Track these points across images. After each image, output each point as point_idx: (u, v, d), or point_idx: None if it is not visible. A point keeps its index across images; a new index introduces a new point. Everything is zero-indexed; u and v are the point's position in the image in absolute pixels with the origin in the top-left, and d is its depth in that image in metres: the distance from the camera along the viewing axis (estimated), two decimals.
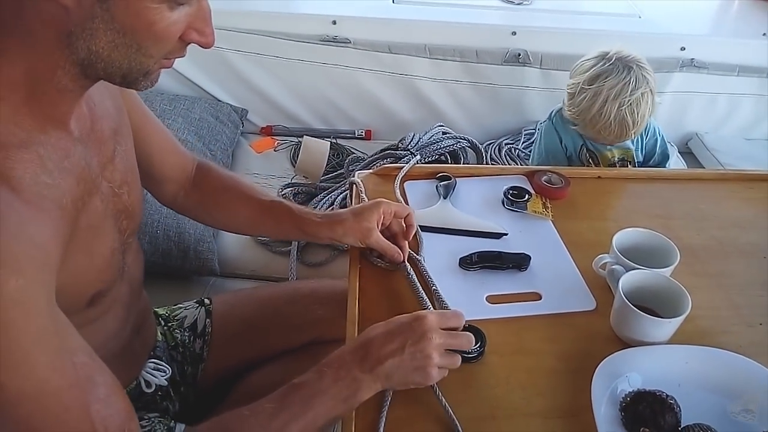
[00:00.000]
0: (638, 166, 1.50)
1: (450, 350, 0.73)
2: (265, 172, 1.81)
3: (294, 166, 1.83)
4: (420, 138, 1.66)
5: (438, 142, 1.66)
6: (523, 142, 1.95)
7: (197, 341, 1.03)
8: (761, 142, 2.08)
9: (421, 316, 0.73)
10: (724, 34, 2.13)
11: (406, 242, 0.95)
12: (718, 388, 0.76)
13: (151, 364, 0.92)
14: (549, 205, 1.07)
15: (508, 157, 1.91)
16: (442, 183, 1.10)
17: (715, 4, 2.36)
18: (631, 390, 0.73)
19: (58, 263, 0.58)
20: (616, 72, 1.31)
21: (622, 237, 0.91)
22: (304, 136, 1.82)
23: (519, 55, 1.88)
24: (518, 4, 2.08)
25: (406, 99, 1.96)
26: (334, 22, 1.84)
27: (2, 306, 0.50)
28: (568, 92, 1.38)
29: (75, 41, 0.56)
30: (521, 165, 1.86)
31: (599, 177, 1.19)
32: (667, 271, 0.86)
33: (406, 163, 1.17)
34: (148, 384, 0.90)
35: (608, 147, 1.44)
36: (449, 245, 0.98)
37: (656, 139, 1.51)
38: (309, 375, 0.71)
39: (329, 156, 1.79)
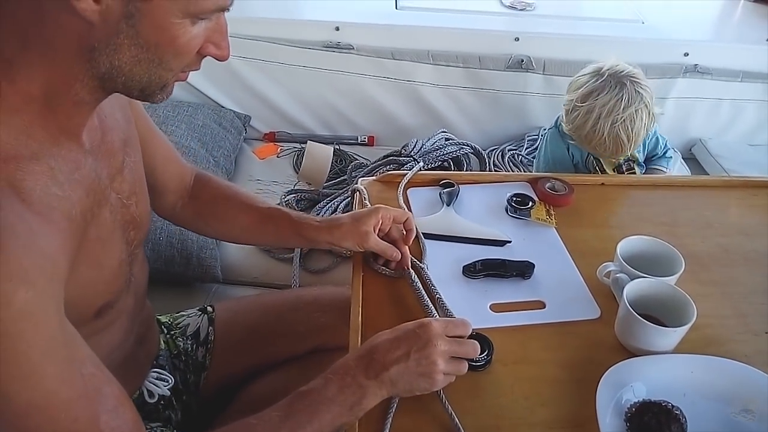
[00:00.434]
0: (642, 164, 1.50)
1: (456, 357, 0.73)
2: (267, 179, 1.81)
3: (297, 173, 1.83)
4: (423, 144, 1.66)
5: (441, 148, 1.66)
6: (526, 148, 1.94)
7: (200, 349, 1.02)
8: (765, 148, 2.07)
9: (426, 322, 0.73)
10: (728, 40, 2.13)
11: (407, 248, 0.94)
12: (723, 398, 0.75)
13: (154, 374, 0.92)
14: (552, 213, 1.07)
15: (511, 163, 1.91)
16: (445, 190, 1.10)
17: (719, 9, 2.36)
18: (636, 400, 0.73)
19: (67, 275, 0.58)
20: (608, 89, 1.28)
21: (627, 245, 0.90)
22: (308, 142, 1.82)
23: (522, 61, 1.88)
24: (521, 10, 2.08)
25: (409, 105, 1.97)
26: (338, 29, 1.84)
27: (12, 317, 0.51)
28: (565, 109, 1.36)
29: (97, 56, 0.56)
30: (524, 171, 1.85)
31: (603, 184, 1.18)
32: (671, 280, 0.86)
33: (409, 170, 1.16)
34: (151, 394, 0.90)
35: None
36: (452, 253, 0.98)
37: (656, 138, 1.51)
38: (315, 383, 0.71)
39: (332, 162, 1.79)
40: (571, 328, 0.86)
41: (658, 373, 0.76)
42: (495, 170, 1.85)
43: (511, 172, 1.83)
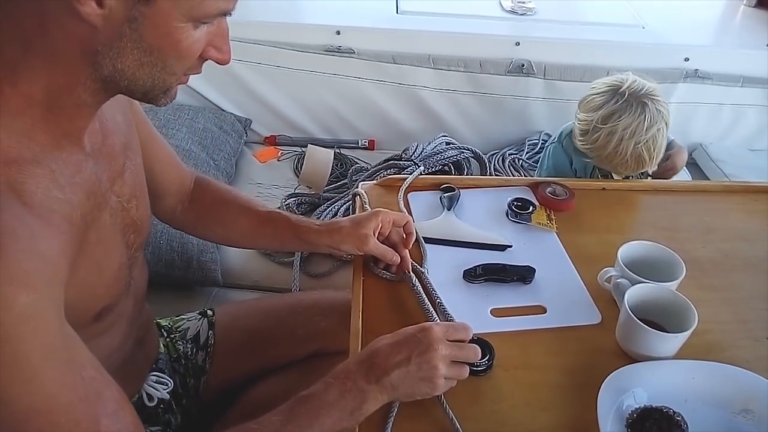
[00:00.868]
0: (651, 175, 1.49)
1: (457, 362, 0.73)
2: (268, 182, 1.80)
3: (297, 176, 1.83)
4: (423, 148, 1.66)
5: (441, 152, 1.66)
6: (527, 153, 1.94)
7: (199, 353, 1.02)
8: (765, 153, 2.07)
9: (427, 327, 0.73)
10: (729, 45, 2.12)
11: (407, 251, 0.94)
12: (725, 404, 0.75)
13: (153, 377, 0.92)
14: (553, 217, 1.07)
15: (511, 167, 1.91)
16: (446, 194, 1.10)
17: (719, 14, 2.36)
18: (637, 406, 0.72)
19: (67, 278, 0.58)
20: (630, 110, 1.25)
21: (628, 250, 0.90)
22: (309, 145, 1.82)
23: (523, 65, 1.88)
24: (522, 14, 2.08)
25: (409, 109, 1.96)
26: (338, 33, 1.84)
27: (12, 321, 0.50)
28: (581, 128, 1.32)
29: (100, 59, 0.57)
30: (525, 175, 1.85)
31: (604, 189, 1.18)
32: (673, 285, 0.86)
33: (410, 174, 1.16)
34: (150, 397, 0.89)
35: None
36: (453, 257, 0.98)
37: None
38: (315, 387, 0.71)
39: (333, 166, 1.79)
40: (572, 334, 0.86)
41: (660, 378, 0.76)
42: (496, 174, 1.85)
43: (512, 177, 1.83)
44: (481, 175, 1.74)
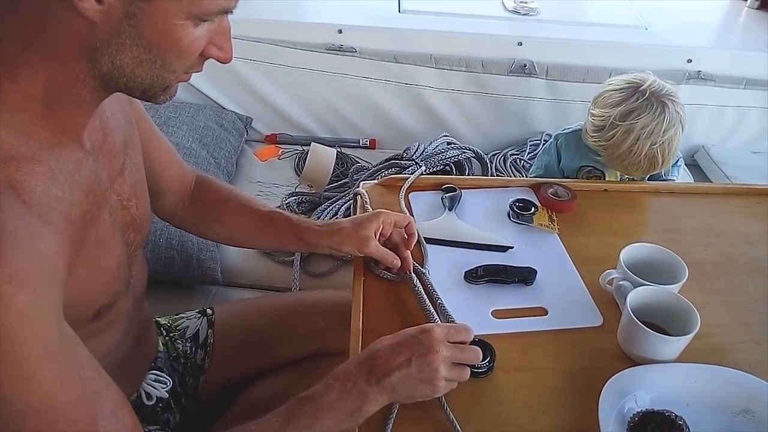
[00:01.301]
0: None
1: (458, 363, 0.72)
2: (269, 181, 1.80)
3: (298, 175, 1.82)
4: (425, 148, 1.65)
5: (443, 152, 1.65)
6: (529, 153, 1.94)
7: (198, 352, 1.02)
8: (767, 155, 2.07)
9: (428, 328, 0.72)
10: (731, 47, 2.12)
11: (409, 252, 0.94)
12: (727, 408, 0.74)
13: (152, 376, 0.91)
14: (555, 218, 1.06)
15: (513, 167, 1.90)
16: (447, 194, 1.10)
17: (723, 16, 2.35)
18: (638, 410, 0.72)
19: (65, 277, 0.58)
20: (650, 110, 1.21)
21: (630, 252, 0.90)
22: (312, 143, 1.82)
23: (525, 65, 1.87)
24: (524, 14, 2.08)
25: (411, 109, 1.96)
26: (340, 31, 1.84)
27: (11, 321, 0.50)
28: (595, 124, 1.29)
29: (99, 56, 0.56)
30: (526, 176, 1.84)
31: (606, 190, 1.18)
32: (675, 288, 0.85)
33: (411, 174, 1.16)
34: (149, 396, 0.89)
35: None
36: (454, 258, 0.97)
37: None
38: (316, 388, 0.70)
39: (334, 165, 1.78)
40: (574, 336, 0.85)
41: (661, 382, 0.75)
42: (497, 175, 1.84)
43: (513, 177, 1.83)
44: (482, 175, 1.73)
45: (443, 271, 0.95)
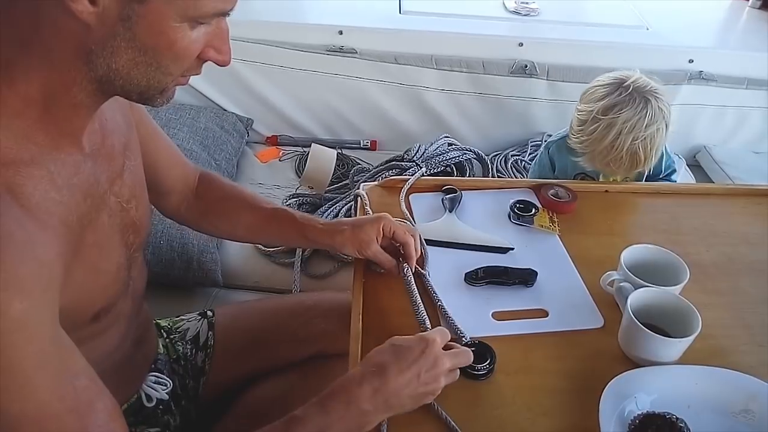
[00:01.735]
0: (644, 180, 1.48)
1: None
2: (269, 182, 1.80)
3: (299, 177, 1.82)
4: (425, 149, 1.65)
5: (444, 153, 1.65)
6: (530, 154, 1.93)
7: (199, 354, 1.02)
8: None
9: (430, 340, 0.72)
10: (733, 47, 2.12)
11: (415, 256, 0.92)
12: (728, 410, 0.74)
13: (152, 378, 0.91)
14: (556, 220, 1.06)
15: (514, 168, 1.90)
16: (447, 196, 1.09)
17: (724, 16, 2.35)
18: (639, 412, 0.72)
19: (62, 281, 0.58)
20: (632, 104, 1.22)
21: (631, 253, 0.89)
22: (312, 144, 1.82)
23: (526, 66, 1.87)
24: (525, 15, 2.08)
25: (412, 110, 1.96)
26: (341, 33, 1.84)
27: (6, 328, 0.50)
28: (579, 118, 1.29)
29: (95, 59, 0.56)
30: (527, 177, 1.84)
31: (607, 191, 1.17)
32: (676, 289, 0.85)
33: (412, 175, 1.16)
34: (149, 398, 0.89)
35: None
36: (454, 260, 0.97)
37: (661, 153, 1.49)
38: (312, 409, 0.68)
39: (334, 166, 1.78)
40: (574, 338, 0.85)
41: (662, 384, 0.75)
42: (498, 176, 1.84)
43: (514, 178, 1.82)
44: (483, 176, 1.73)
45: (443, 272, 0.94)
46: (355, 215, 1.09)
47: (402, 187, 1.12)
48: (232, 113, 1.91)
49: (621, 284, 0.87)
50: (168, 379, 0.93)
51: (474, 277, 0.93)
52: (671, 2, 2.30)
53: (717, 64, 1.92)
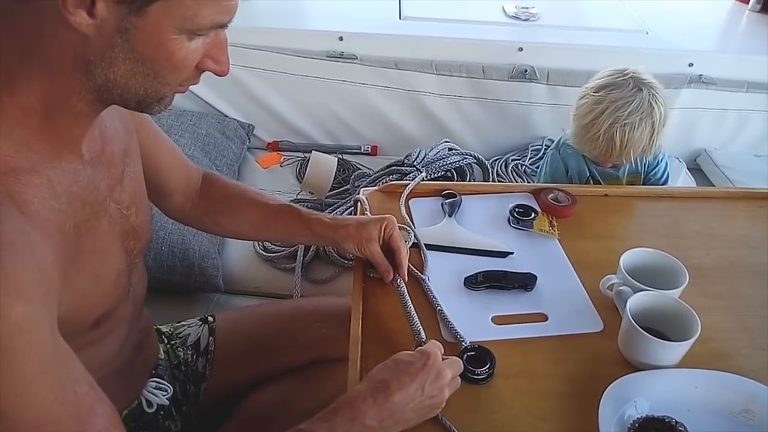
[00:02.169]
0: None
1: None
2: (271, 188, 1.81)
3: (300, 182, 1.83)
4: (426, 154, 1.66)
5: (444, 158, 1.66)
6: (530, 158, 1.94)
7: (200, 360, 1.02)
8: None
9: (431, 353, 0.72)
10: (733, 50, 2.12)
11: (405, 264, 0.93)
12: (728, 414, 0.74)
13: (153, 383, 0.91)
14: (555, 224, 1.06)
15: (514, 173, 1.90)
16: (447, 201, 1.10)
17: (724, 19, 2.35)
18: (639, 416, 0.71)
19: (60, 288, 0.58)
20: (623, 88, 1.26)
21: (630, 257, 0.89)
22: (312, 151, 1.82)
23: (526, 71, 1.88)
24: (525, 20, 2.08)
25: (412, 115, 1.96)
26: (341, 38, 1.84)
27: (7, 333, 0.50)
28: (577, 99, 1.35)
29: (93, 69, 0.57)
30: (528, 181, 1.85)
31: (606, 195, 1.17)
32: (676, 293, 0.85)
33: (412, 180, 1.16)
34: (150, 403, 0.89)
35: (616, 174, 1.42)
36: (454, 264, 0.97)
37: (665, 161, 1.49)
38: (316, 424, 0.67)
39: (335, 172, 1.79)
40: (574, 342, 0.85)
41: (662, 388, 0.75)
42: (498, 180, 1.84)
43: (515, 183, 1.82)
44: (483, 180, 1.73)
45: (443, 277, 0.95)
46: None
47: (402, 192, 1.12)
48: (234, 119, 1.92)
49: (620, 288, 0.87)
50: (169, 384, 0.93)
51: (473, 282, 0.93)
52: (671, 6, 2.31)
53: (717, 68, 1.92)
